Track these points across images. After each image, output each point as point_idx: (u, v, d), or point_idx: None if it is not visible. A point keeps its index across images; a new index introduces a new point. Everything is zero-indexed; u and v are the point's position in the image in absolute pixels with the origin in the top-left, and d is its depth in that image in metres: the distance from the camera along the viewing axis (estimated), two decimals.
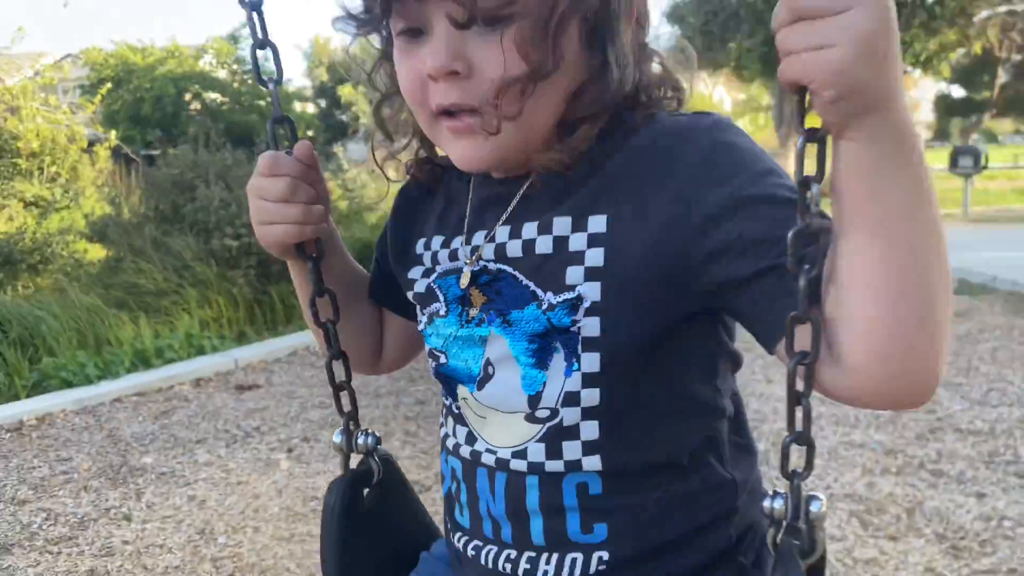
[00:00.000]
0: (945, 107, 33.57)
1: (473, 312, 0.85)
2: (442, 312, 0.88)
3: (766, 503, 0.73)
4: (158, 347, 5.36)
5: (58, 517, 3.26)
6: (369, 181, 14.25)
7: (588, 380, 0.78)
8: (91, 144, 13.11)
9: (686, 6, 22.39)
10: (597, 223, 0.76)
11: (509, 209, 0.83)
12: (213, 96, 22.49)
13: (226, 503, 3.31)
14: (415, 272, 0.92)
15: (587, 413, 0.79)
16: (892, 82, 0.58)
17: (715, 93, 41.50)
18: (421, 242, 0.93)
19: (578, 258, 0.77)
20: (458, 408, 0.90)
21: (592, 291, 0.76)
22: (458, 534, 0.93)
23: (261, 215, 0.90)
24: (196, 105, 22.43)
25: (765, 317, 0.70)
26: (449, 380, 0.90)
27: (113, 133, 14.26)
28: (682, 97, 0.84)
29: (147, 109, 20.99)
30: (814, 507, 0.72)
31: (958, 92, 33.53)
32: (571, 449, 0.80)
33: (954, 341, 5.40)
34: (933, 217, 0.62)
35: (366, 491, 1.02)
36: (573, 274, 0.77)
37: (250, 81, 22.79)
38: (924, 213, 0.61)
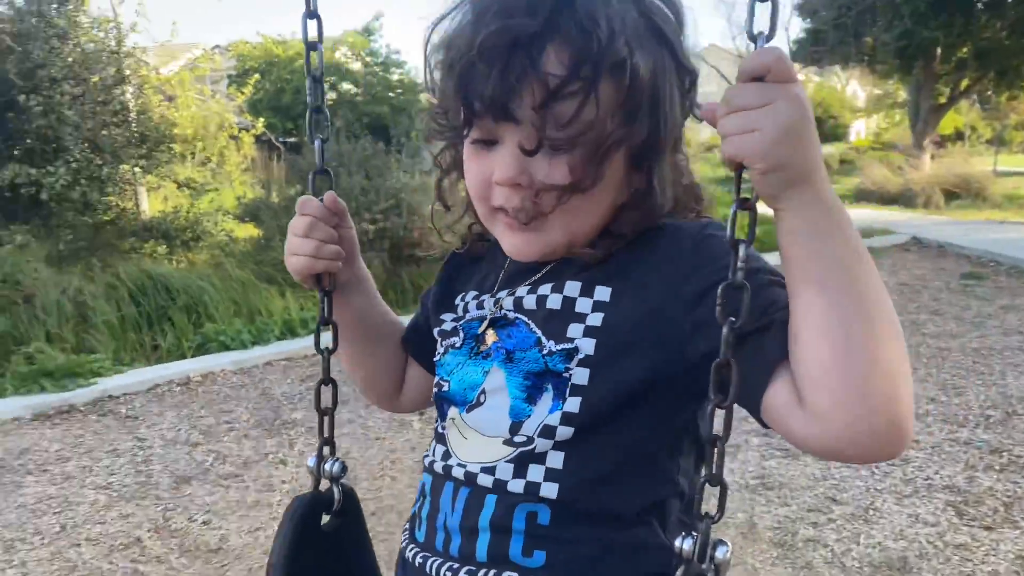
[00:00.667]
0: None
1: (484, 347, 0.96)
2: (458, 344, 1.00)
3: (677, 542, 0.79)
4: (303, 318, 5.92)
5: (226, 458, 3.78)
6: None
7: (567, 419, 0.87)
8: (239, 131, 14.03)
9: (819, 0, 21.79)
10: (602, 293, 0.90)
11: (535, 276, 0.96)
12: (347, 87, 23.53)
13: (366, 455, 3.75)
14: (446, 316, 1.05)
15: (557, 445, 0.88)
16: (812, 160, 0.71)
17: (848, 88, 40.04)
18: (459, 296, 1.06)
19: (581, 317, 0.89)
20: (444, 429, 1.00)
21: (588, 346, 0.87)
22: (412, 548, 1.00)
23: (287, 245, 1.06)
24: (332, 96, 23.55)
25: (745, 378, 0.76)
26: (444, 403, 1.01)
27: (260, 121, 15.28)
28: (702, 208, 0.98)
29: (288, 99, 22.23)
30: (719, 552, 0.78)
31: None
32: (535, 472, 0.89)
33: None
34: (870, 271, 0.73)
35: (326, 516, 1.08)
36: (574, 329, 0.89)
37: (380, 72, 23.80)
38: (860, 268, 0.72)
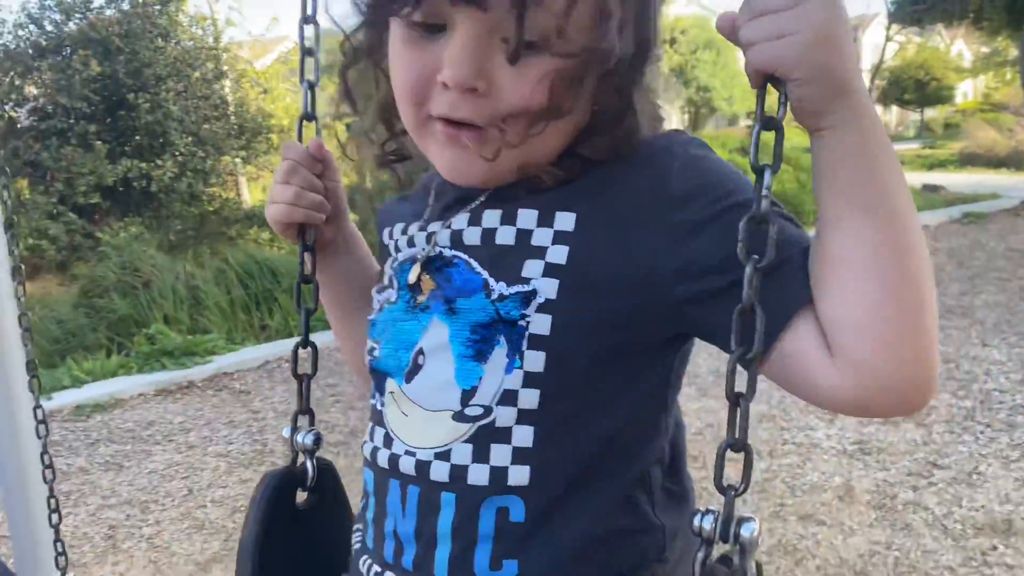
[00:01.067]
0: None
1: (421, 299, 0.78)
2: (393, 299, 0.82)
3: (695, 520, 0.64)
4: None
5: (334, 427, 3.99)
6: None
7: (529, 380, 0.70)
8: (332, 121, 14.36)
9: None
10: (565, 220, 0.71)
11: (476, 202, 0.77)
12: None
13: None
14: (382, 272, 0.87)
15: (523, 416, 0.71)
16: (851, 67, 0.61)
17: (953, 47, 38.03)
18: (387, 232, 0.88)
19: (539, 252, 0.71)
20: (383, 405, 0.81)
21: (548, 287, 0.70)
22: (363, 557, 0.84)
23: (269, 194, 0.94)
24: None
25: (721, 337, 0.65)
26: (379, 375, 0.83)
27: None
28: (659, 128, 0.80)
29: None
30: (745, 530, 0.63)
31: None
32: (500, 454, 0.72)
33: None
34: (909, 196, 0.64)
35: (302, 493, 0.96)
36: (531, 267, 0.71)
37: None
38: (906, 191, 0.64)
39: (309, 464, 0.96)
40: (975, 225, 9.07)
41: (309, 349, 1.03)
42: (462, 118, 0.70)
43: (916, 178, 12.35)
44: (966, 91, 41.92)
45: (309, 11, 0.94)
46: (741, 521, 0.63)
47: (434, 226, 0.79)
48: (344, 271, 1.00)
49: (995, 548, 2.50)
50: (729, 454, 0.64)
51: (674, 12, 26.13)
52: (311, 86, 0.98)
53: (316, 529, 0.97)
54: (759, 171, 0.62)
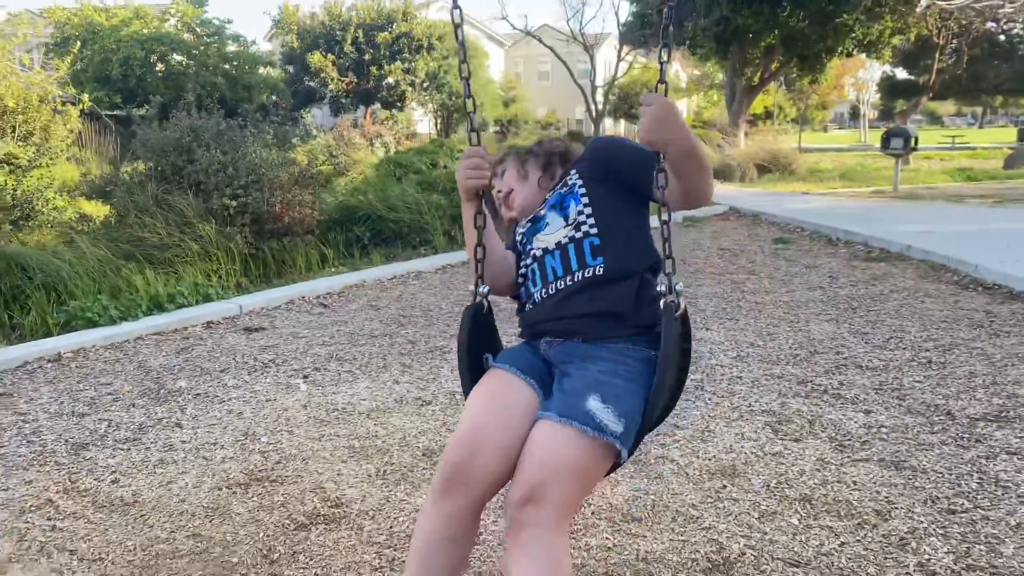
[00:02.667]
0: (890, 88, 34.78)
1: (540, 214, 2.02)
2: (526, 225, 2.06)
3: (660, 288, 1.77)
4: (170, 294, 5.97)
5: (119, 425, 3.92)
6: (336, 146, 14.68)
7: (584, 205, 1.90)
8: (63, 105, 13.24)
9: None
10: (573, 173, 2.00)
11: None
12: (179, 59, 22.47)
13: (261, 414, 4.01)
14: (518, 228, 2.11)
15: (587, 215, 1.88)
16: (679, 130, 1.66)
17: (671, 69, 42.28)
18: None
19: (569, 181, 1.98)
20: (530, 244, 1.97)
21: (578, 182, 1.95)
22: (524, 311, 1.99)
23: (462, 172, 1.89)
24: (161, 67, 22.38)
25: (652, 188, 1.78)
26: (527, 239, 2.00)
27: (85, 95, 14.45)
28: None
29: (114, 71, 20.98)
30: (678, 286, 1.73)
31: (902, 74, 34.75)
32: (584, 226, 1.88)
33: (868, 299, 6.27)
34: (706, 168, 1.77)
35: (481, 316, 1.99)
36: (570, 182, 1.98)
37: (215, 44, 22.87)
38: (702, 168, 1.76)
39: (485, 302, 2.00)
40: (694, 228, 10.44)
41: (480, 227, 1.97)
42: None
43: None
44: (683, 109, 46.71)
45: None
46: (677, 283, 1.75)
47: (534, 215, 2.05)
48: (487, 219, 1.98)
49: (725, 487, 3.14)
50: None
51: (431, 16, 26.77)
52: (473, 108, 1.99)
53: (487, 332, 2.02)
54: (659, 159, 1.78)
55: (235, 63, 22.79)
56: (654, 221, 1.85)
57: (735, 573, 2.55)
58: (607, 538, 2.76)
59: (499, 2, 64.24)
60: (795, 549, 2.68)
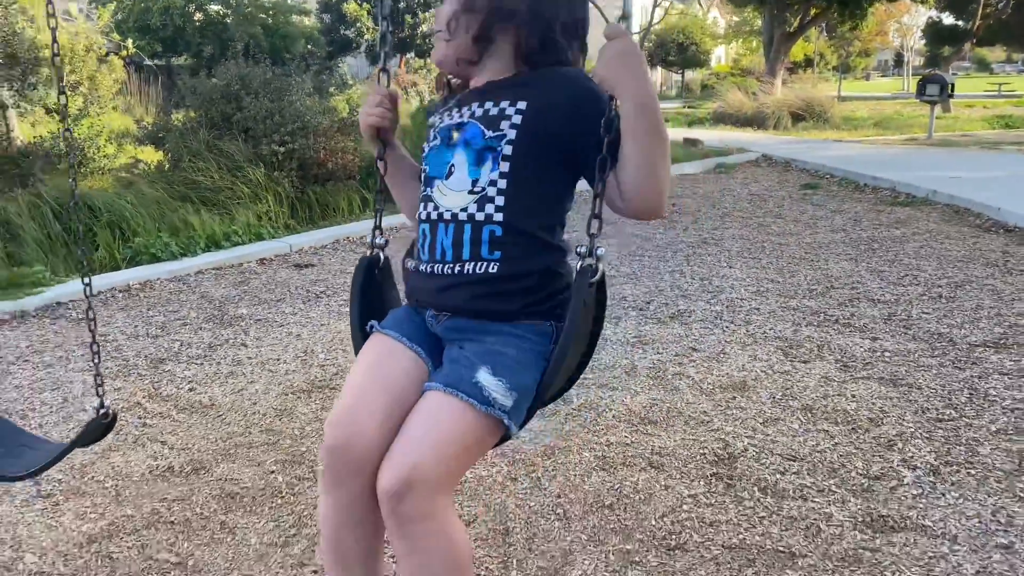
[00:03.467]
0: (935, 34, 33.94)
1: (452, 142, 1.60)
2: (436, 142, 1.65)
3: (580, 249, 1.49)
4: (225, 232, 6.40)
5: (191, 344, 4.36)
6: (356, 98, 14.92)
7: (500, 175, 1.52)
8: (107, 54, 13.59)
9: None
10: (522, 105, 1.53)
11: (480, 98, 1.61)
12: (216, 8, 22.79)
13: (317, 335, 4.43)
14: (430, 133, 1.71)
15: (498, 191, 1.52)
16: (642, 77, 1.40)
17: (709, 16, 41.62)
18: (435, 116, 1.72)
19: (508, 118, 1.53)
20: (431, 192, 1.62)
21: (511, 133, 1.52)
22: (415, 263, 1.67)
23: (363, 111, 1.76)
24: (200, 16, 22.71)
25: (591, 173, 1.49)
26: (428, 178, 1.64)
27: (130, 42, 14.84)
28: (583, 58, 1.65)
29: (155, 20, 21.39)
30: (599, 251, 1.48)
31: (949, 20, 33.87)
32: (489, 207, 1.53)
33: (889, 241, 6.51)
34: (662, 134, 1.44)
35: (377, 270, 1.84)
36: (504, 124, 1.53)
37: None
38: (658, 133, 1.43)
39: (382, 255, 1.86)
40: (725, 175, 10.63)
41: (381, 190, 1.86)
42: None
43: (678, 133, 13.96)
44: (720, 56, 45.99)
45: None
46: (597, 247, 1.49)
47: (463, 109, 1.63)
48: (397, 158, 1.83)
49: (734, 398, 3.49)
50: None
51: None
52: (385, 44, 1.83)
53: (382, 288, 1.87)
54: (609, 101, 1.47)
55: (271, 12, 23.06)
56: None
57: (738, 465, 2.91)
58: (625, 436, 3.13)
59: None
60: (793, 448, 3.03)
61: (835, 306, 4.81)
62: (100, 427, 2.12)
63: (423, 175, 1.69)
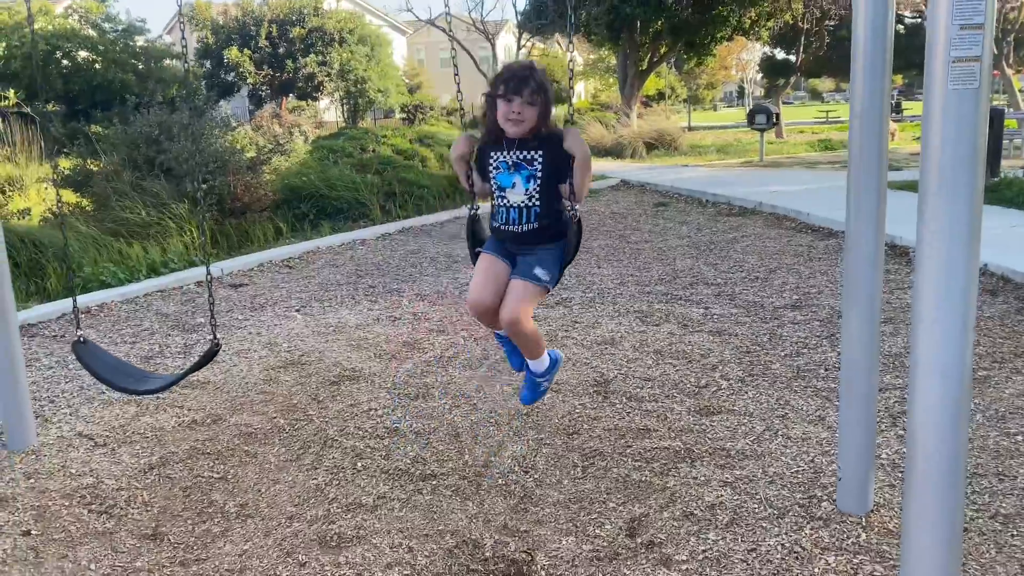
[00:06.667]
0: (770, 67, 37.55)
1: (511, 169, 2.87)
2: (501, 169, 2.90)
3: (567, 203, 2.89)
4: (162, 260, 7.23)
5: (168, 345, 5.26)
6: (257, 137, 15.75)
7: (536, 186, 2.84)
8: None
9: None
10: (542, 152, 2.83)
11: (518, 147, 2.87)
12: (84, 55, 22.83)
13: (274, 332, 5.42)
14: (491, 162, 2.90)
15: (535, 198, 2.85)
16: (585, 147, 2.80)
17: (568, 54, 44.17)
18: (491, 156, 2.91)
19: (537, 159, 2.83)
20: (504, 194, 2.88)
21: (539, 166, 2.83)
22: (495, 223, 2.95)
23: (456, 149, 2.97)
24: (67, 63, 22.69)
25: (566, 178, 2.80)
26: (501, 187, 2.89)
27: (11, 92, 15.05)
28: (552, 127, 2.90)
29: (17, 66, 21.28)
30: (576, 207, 2.85)
31: (781, 55, 37.59)
32: (532, 201, 2.85)
33: (723, 243, 8.06)
34: (589, 170, 2.83)
35: (476, 222, 3.10)
36: (536, 162, 2.83)
37: (121, 40, 23.31)
38: (588, 169, 2.80)
39: (478, 207, 3.04)
40: (591, 198, 12.14)
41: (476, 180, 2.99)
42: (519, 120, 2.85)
43: None
44: (579, 92, 48.76)
45: None
46: (576, 208, 2.86)
47: (511, 153, 2.87)
48: (472, 174, 3.01)
49: (606, 348, 4.77)
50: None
51: (327, 6, 27.71)
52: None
53: (482, 227, 3.10)
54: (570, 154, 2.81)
55: (143, 59, 23.31)
56: None
57: (610, 385, 4.17)
58: None
59: None
60: (648, 374, 4.33)
61: (679, 289, 6.22)
62: (212, 353, 3.22)
63: (495, 184, 2.89)
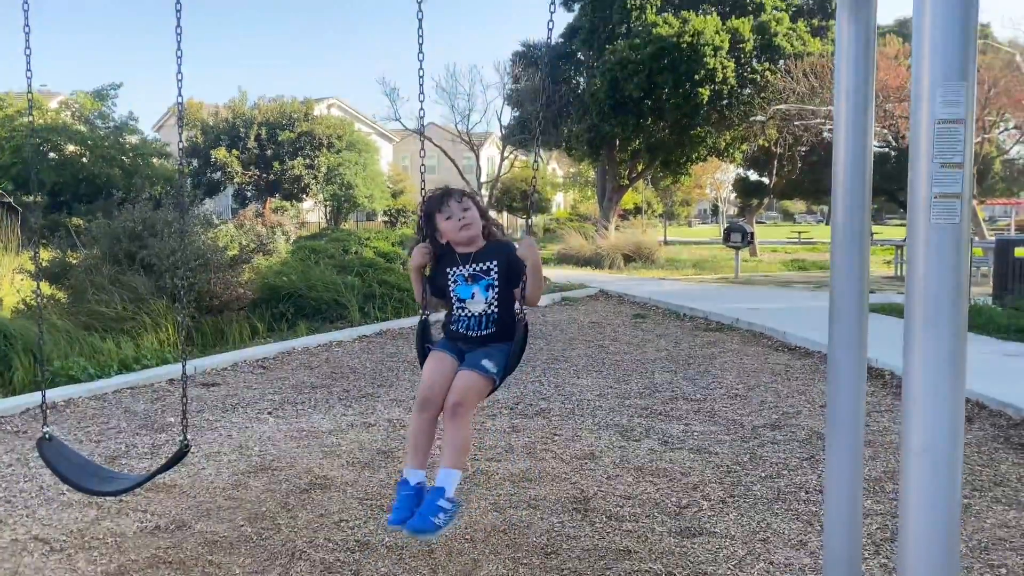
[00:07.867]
0: (743, 187, 38.74)
1: (469, 282, 3.04)
2: (459, 282, 3.07)
3: (518, 306, 2.99)
4: (134, 356, 7.11)
5: (135, 444, 5.10)
6: (240, 235, 15.85)
7: (494, 295, 3.01)
8: None
9: (524, 94, 25.67)
10: (497, 261, 3.03)
11: (471, 257, 3.08)
12: (73, 148, 23.11)
13: (245, 435, 5.29)
14: (449, 274, 3.07)
15: (493, 305, 3.02)
16: (536, 255, 2.97)
17: (549, 167, 45.53)
18: (448, 269, 3.08)
19: (493, 269, 3.02)
20: (463, 304, 3.04)
21: (495, 276, 3.02)
22: (453, 328, 3.06)
23: (414, 257, 3.12)
24: (54, 156, 22.92)
25: (519, 284, 2.96)
26: (460, 298, 3.05)
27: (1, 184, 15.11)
28: (502, 229, 3.22)
29: (5, 158, 21.47)
30: (524, 313, 2.97)
31: (754, 176, 38.88)
32: (491, 309, 3.02)
33: (701, 357, 8.09)
34: (541, 276, 3.02)
35: (427, 325, 3.15)
36: (492, 272, 3.03)
37: (112, 136, 23.70)
38: (539, 276, 2.99)
39: (428, 320, 3.15)
40: (570, 306, 12.23)
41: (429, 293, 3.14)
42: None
43: None
44: (559, 202, 49.91)
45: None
46: (524, 311, 2.99)
47: (465, 267, 3.06)
48: (425, 284, 3.16)
49: (586, 463, 4.69)
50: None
51: (326, 111, 28.51)
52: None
53: (429, 333, 3.16)
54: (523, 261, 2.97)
55: (132, 155, 23.64)
56: None
57: (591, 503, 4.08)
58: (509, 489, 4.25)
59: (391, 105, 67.26)
60: (628, 492, 4.25)
61: (659, 404, 6.19)
62: (181, 454, 3.10)
63: (454, 296, 3.04)
